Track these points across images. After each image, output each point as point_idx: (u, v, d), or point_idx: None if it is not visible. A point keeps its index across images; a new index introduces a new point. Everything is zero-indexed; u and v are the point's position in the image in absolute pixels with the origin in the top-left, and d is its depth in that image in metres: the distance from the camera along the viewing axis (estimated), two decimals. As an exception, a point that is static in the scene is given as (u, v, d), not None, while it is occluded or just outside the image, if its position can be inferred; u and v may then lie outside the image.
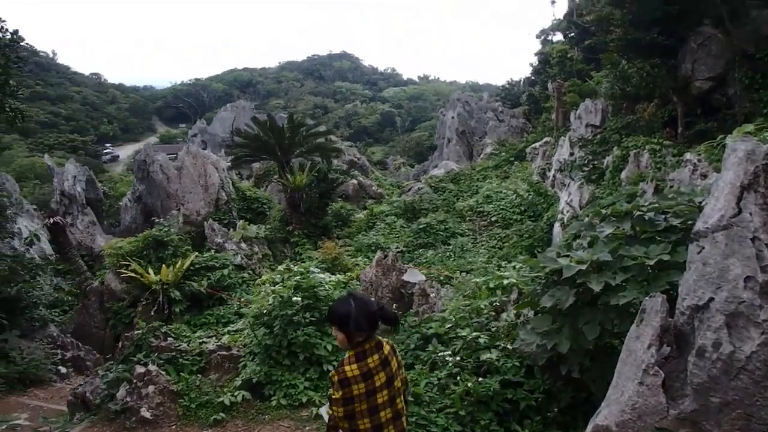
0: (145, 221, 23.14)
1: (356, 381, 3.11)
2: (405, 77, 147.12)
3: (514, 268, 12.55)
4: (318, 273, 8.39)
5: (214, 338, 8.97)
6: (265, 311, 8.18)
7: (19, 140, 74.42)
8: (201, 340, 8.77)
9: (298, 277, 8.20)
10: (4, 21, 9.71)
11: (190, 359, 8.29)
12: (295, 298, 7.59)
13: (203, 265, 15.58)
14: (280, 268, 9.04)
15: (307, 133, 21.84)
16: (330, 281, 8.41)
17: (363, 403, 3.13)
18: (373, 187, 30.10)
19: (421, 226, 19.07)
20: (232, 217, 23.35)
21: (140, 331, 8.39)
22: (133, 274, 13.92)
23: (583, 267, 4.53)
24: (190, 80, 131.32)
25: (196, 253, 15.69)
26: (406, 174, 42.01)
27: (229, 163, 24.24)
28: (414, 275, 8.77)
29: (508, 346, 6.19)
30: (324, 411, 3.52)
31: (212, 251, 16.91)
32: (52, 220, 14.56)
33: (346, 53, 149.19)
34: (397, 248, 18.24)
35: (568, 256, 4.95)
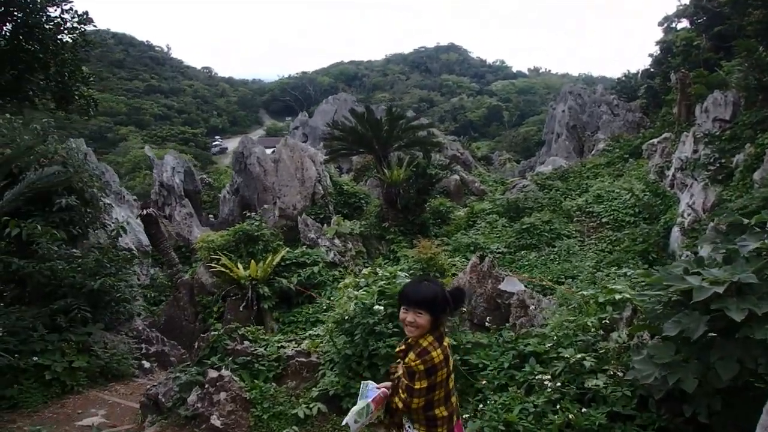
0: (242, 214, 23.83)
1: (441, 366, 3.07)
2: (514, 70, 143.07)
3: (625, 275, 11.22)
4: (405, 279, 7.69)
5: (293, 342, 8.58)
6: (346, 317, 7.64)
7: (135, 132, 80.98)
8: (279, 344, 8.40)
9: (382, 282, 7.56)
10: (71, 2, 9.73)
11: (267, 365, 7.93)
12: (377, 307, 6.96)
13: (294, 261, 15.49)
14: (365, 271, 8.44)
15: (407, 125, 21.29)
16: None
17: (442, 389, 3.11)
18: (476, 184, 29.00)
19: (524, 226, 17.87)
20: (328, 212, 23.38)
21: (216, 333, 8.17)
22: (222, 269, 14.07)
23: (720, 290, 3.71)
24: (296, 74, 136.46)
25: (287, 249, 15.63)
26: (512, 170, 40.39)
27: (326, 156, 24.28)
28: (512, 284, 7.84)
29: (619, 373, 5.42)
30: (351, 420, 3.18)
31: (304, 247, 16.82)
32: (144, 211, 15.12)
33: (453, 45, 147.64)
34: (497, 249, 17.18)
35: (698, 273, 4.04)
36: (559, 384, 5.60)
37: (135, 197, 21.91)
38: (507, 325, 7.21)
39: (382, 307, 7.00)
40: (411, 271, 13.78)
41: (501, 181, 32.65)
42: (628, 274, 11.26)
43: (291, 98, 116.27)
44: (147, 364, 10.53)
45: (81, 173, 11.73)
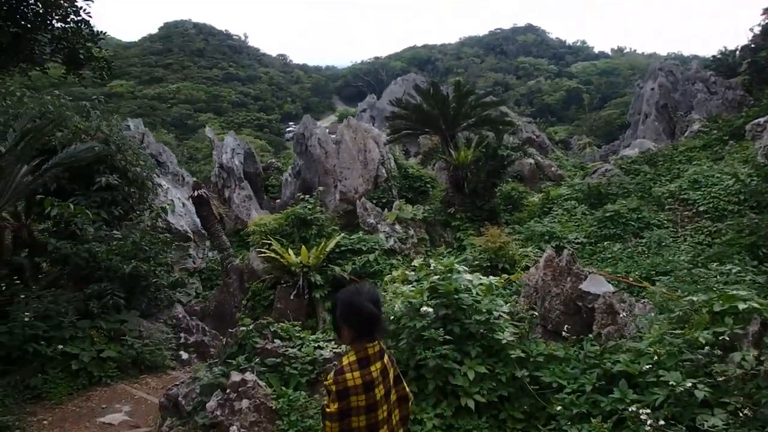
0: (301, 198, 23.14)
1: (356, 392, 2.78)
2: (596, 50, 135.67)
3: (731, 273, 9.35)
4: (464, 274, 6.38)
5: (332, 342, 7.45)
6: (391, 317, 6.43)
7: (213, 118, 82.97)
8: (316, 344, 7.30)
9: (435, 278, 6.28)
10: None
11: (300, 368, 6.84)
12: (425, 308, 5.69)
13: (349, 247, 14.46)
14: (416, 262, 7.19)
15: (476, 102, 19.66)
16: (479, 285, 6.35)
17: (362, 418, 2.81)
18: (553, 168, 26.93)
19: (607, 214, 15.90)
20: (391, 196, 22.25)
21: (244, 329, 7.17)
22: (272, 254, 13.23)
23: None
24: (369, 59, 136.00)
25: (343, 235, 14.61)
26: (592, 155, 37.59)
27: (387, 138, 23.07)
28: (597, 284, 6.34)
29: (745, 410, 4.16)
30: None
31: (362, 232, 15.75)
32: (196, 193, 14.53)
33: (531, 26, 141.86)
34: (575, 239, 15.39)
35: None
36: (661, 422, 4.28)
37: (195, 178, 21.64)
38: (589, 335, 5.77)
39: (431, 309, 5.73)
40: (476, 262, 12.39)
41: (580, 165, 30.28)
42: (734, 271, 9.35)
43: (363, 83, 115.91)
44: (185, 355, 9.77)
45: (124, 151, 11.11)
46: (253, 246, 14.33)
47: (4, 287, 8.68)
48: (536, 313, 6.28)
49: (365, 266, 13.72)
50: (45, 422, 7.32)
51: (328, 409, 2.83)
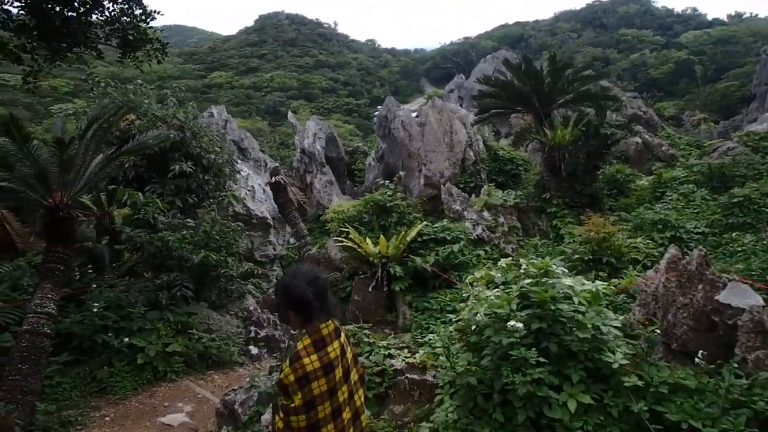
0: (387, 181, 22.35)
1: (316, 376, 2.60)
2: (709, 17, 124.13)
3: None
4: (563, 277, 5.23)
5: (405, 351, 6.55)
6: (473, 326, 5.42)
7: (305, 105, 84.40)
8: (387, 352, 6.43)
9: (527, 282, 5.19)
10: None
11: (367, 378, 6.04)
12: (512, 323, 4.63)
13: (432, 236, 13.46)
14: (502, 262, 6.11)
15: (574, 76, 17.83)
16: (583, 292, 5.18)
17: (326, 405, 2.63)
18: (663, 147, 24.36)
19: (734, 200, 13.70)
20: (479, 180, 20.93)
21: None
22: (350, 243, 12.51)
23: None
24: (458, 40, 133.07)
25: (425, 223, 13.63)
26: (708, 132, 33.92)
27: (475, 118, 21.69)
28: (741, 294, 4.95)
29: None
30: None
31: (446, 220, 14.70)
32: (273, 179, 14.09)
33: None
34: (695, 228, 13.43)
35: None
36: None
37: (278, 164, 21.42)
38: (731, 360, 4.46)
39: (521, 325, 4.65)
40: (576, 256, 11.01)
41: (696, 143, 27.23)
42: None
43: (452, 65, 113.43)
44: (254, 351, 9.29)
45: (200, 138, 10.75)
46: (332, 234, 13.71)
47: (78, 276, 8.54)
48: (657, 330, 5.03)
49: (449, 257, 12.68)
50: (107, 418, 7.02)
51: (292, 404, 2.60)
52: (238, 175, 14.79)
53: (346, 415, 2.77)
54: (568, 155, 17.26)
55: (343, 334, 2.87)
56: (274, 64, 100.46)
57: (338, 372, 2.70)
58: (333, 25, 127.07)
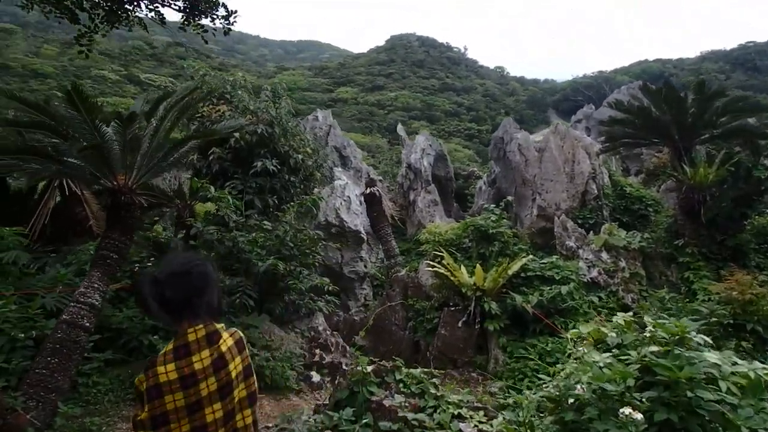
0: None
1: (171, 389, 2.20)
2: None
3: None
4: (705, 351, 3.65)
5: (481, 412, 5.16)
6: (571, 400, 3.96)
7: (425, 126, 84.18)
8: (458, 410, 5.08)
9: (652, 350, 3.67)
10: None
11: (426, 442, 4.73)
12: (628, 411, 3.15)
13: (538, 273, 11.81)
14: (619, 317, 4.58)
15: (725, 108, 15.27)
16: (734, 375, 3.57)
17: (184, 423, 2.20)
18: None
19: None
20: (600, 218, 18.78)
21: (360, 370, 5.24)
22: (441, 270, 11.21)
23: None
24: (592, 73, 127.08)
25: (531, 257, 12.01)
26: None
27: (601, 147, 19.57)
28: None
29: None
30: None
31: (557, 257, 12.94)
32: (368, 190, 13.14)
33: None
34: None
35: None
36: None
37: (381, 178, 20.54)
38: None
39: (640, 416, 3.16)
40: (713, 319, 8.95)
41: None
42: None
43: (583, 98, 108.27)
44: (316, 377, 8.24)
45: (291, 137, 10.06)
46: (425, 257, 12.48)
47: (137, 267, 8.03)
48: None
49: (555, 300, 10.97)
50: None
51: (138, 417, 2.26)
52: (335, 183, 14.06)
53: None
54: (710, 198, 14.78)
55: (226, 342, 2.36)
56: (399, 84, 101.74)
57: (205, 386, 2.25)
58: (462, 50, 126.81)
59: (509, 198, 14.03)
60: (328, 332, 8.84)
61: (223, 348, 2.33)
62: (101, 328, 7.16)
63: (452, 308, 11.20)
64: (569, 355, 4.89)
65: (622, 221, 18.95)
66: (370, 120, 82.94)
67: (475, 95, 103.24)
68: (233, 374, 2.34)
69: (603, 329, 4.70)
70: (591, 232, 15.21)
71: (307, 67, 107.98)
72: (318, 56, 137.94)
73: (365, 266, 14.67)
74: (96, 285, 6.37)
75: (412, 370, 5.79)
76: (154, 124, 6.67)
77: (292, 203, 9.06)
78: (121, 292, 7.70)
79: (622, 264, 14.28)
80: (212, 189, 8.08)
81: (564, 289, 11.07)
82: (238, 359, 2.39)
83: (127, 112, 6.78)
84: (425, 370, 6.04)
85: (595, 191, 19.09)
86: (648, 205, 19.96)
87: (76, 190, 8.38)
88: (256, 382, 2.52)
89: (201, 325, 2.32)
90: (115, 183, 6.67)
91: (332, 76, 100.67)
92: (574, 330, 4.94)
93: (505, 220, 12.43)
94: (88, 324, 6.21)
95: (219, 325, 2.40)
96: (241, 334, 2.49)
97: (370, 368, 5.47)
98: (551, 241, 17.01)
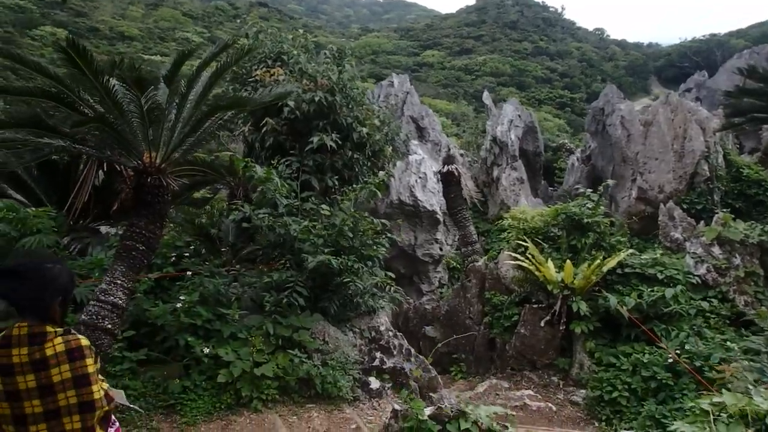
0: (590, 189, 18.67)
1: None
2: None
3: None
4: None
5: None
6: None
7: (515, 93, 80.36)
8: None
9: None
10: None
11: None
12: None
13: (637, 270, 10.11)
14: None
15: None
16: None
17: (5, 406, 2.41)
18: None
19: None
20: (710, 203, 16.46)
21: (415, 416, 4.12)
22: (524, 263, 9.80)
23: None
24: (703, 36, 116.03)
25: (631, 251, 10.29)
26: None
27: (720, 122, 17.00)
28: None
29: None
30: None
31: (661, 251, 11.12)
32: (446, 168, 11.78)
33: None
34: None
35: None
36: None
37: (462, 152, 18.93)
38: None
39: None
40: None
41: None
42: None
43: (691, 64, 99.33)
44: (375, 384, 7.22)
45: (355, 106, 8.89)
46: (507, 245, 11.06)
47: (174, 257, 7.27)
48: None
49: (657, 304, 9.28)
50: (163, 450, 5.54)
51: None
52: (410, 158, 12.82)
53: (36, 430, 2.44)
54: None
55: (55, 347, 2.42)
56: (489, 47, 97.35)
57: (23, 380, 2.38)
58: (560, 10, 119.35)
59: (609, 182, 12.10)
60: (390, 333, 7.75)
61: (48, 352, 2.41)
62: (137, 323, 6.46)
63: (535, 305, 9.81)
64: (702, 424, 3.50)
65: (734, 208, 16.60)
66: (456, 86, 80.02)
67: (570, 60, 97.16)
68: (54, 379, 2.41)
69: (756, 400, 3.26)
70: (702, 221, 13.13)
71: (392, 29, 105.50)
72: (404, 16, 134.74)
73: (440, 249, 13.45)
74: (119, 281, 5.59)
75: (481, 412, 4.62)
76: (182, 90, 5.69)
77: (352, 186, 7.94)
78: (163, 281, 6.98)
79: (737, 261, 12.18)
80: (258, 168, 7.11)
81: (669, 292, 9.34)
82: (66, 366, 2.43)
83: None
84: (500, 410, 4.81)
85: (707, 173, 16.72)
86: (767, 190, 17.32)
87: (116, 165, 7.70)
88: (96, 393, 2.52)
89: (26, 324, 2.43)
90: (139, 162, 5.80)
91: (418, 39, 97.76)
92: (706, 398, 3.52)
93: (602, 207, 10.71)
94: (110, 326, 5.46)
95: (54, 329, 2.47)
96: (85, 344, 2.51)
97: (427, 411, 4.35)
98: (652, 229, 15.02)
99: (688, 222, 12.72)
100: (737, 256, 12.38)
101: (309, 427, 6.20)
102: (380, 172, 8.12)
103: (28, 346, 2.39)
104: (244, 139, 8.97)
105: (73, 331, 2.56)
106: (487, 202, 17.42)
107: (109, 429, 2.74)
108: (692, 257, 11.89)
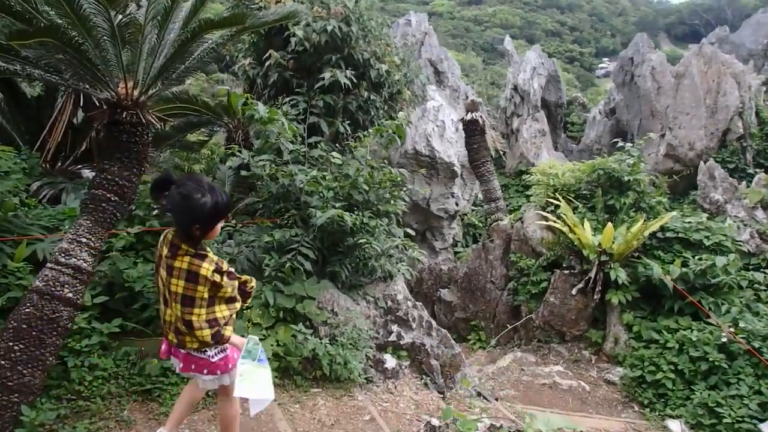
0: (611, 143, 17.10)
1: (160, 245, 2.94)
2: None
3: None
4: None
5: None
6: None
7: (524, 46, 77.10)
8: None
9: None
10: None
11: None
12: None
13: (680, 235, 8.79)
14: None
15: None
16: None
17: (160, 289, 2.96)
18: None
19: None
20: (743, 162, 15.08)
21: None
22: (556, 224, 8.48)
23: None
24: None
25: (673, 214, 8.94)
26: None
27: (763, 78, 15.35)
28: None
29: None
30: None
31: (706, 215, 9.77)
32: (469, 116, 10.29)
33: None
34: None
35: None
36: None
37: (480, 100, 17.31)
38: None
39: None
40: None
41: None
42: None
43: (701, 22, 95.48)
44: (391, 362, 6.02)
45: (373, 40, 7.37)
46: (534, 202, 9.71)
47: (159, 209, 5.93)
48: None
49: (705, 274, 8.00)
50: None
51: None
52: (427, 105, 11.31)
53: (167, 315, 2.94)
54: None
55: (182, 261, 2.78)
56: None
57: (162, 270, 2.87)
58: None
59: (650, 135, 10.47)
60: (409, 303, 6.50)
61: (176, 264, 2.78)
62: (111, 287, 5.22)
63: (566, 271, 8.54)
64: None
65: (766, 167, 15.25)
66: (465, 36, 76.81)
67: (580, 14, 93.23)
68: (173, 288, 2.81)
69: None
70: (743, 182, 11.75)
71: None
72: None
73: (457, 204, 12.11)
74: (84, 239, 4.30)
75: (541, 427, 3.39)
76: (165, 4, 4.24)
77: (368, 132, 6.53)
78: (145, 236, 5.68)
79: (782, 226, 10.92)
80: (260, 106, 5.70)
81: (720, 260, 8.03)
82: (181, 283, 2.78)
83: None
84: (562, 422, 3.59)
85: (741, 130, 15.22)
86: (807, 150, 15.90)
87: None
88: (195, 317, 2.80)
89: (173, 234, 2.86)
90: (111, 93, 4.41)
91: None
92: None
93: (643, 164, 9.28)
94: (71, 295, 4.19)
95: (187, 248, 2.77)
96: (204, 273, 2.74)
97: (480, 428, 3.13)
98: (684, 188, 13.68)
99: (729, 182, 11.35)
100: (781, 221, 11.09)
101: (314, 417, 5.02)
102: (400, 113, 6.68)
103: (168, 251, 2.79)
104: (245, 74, 7.49)
105: (206, 254, 2.82)
106: (504, 155, 15.97)
107: (219, 354, 3.00)
108: (734, 221, 10.60)
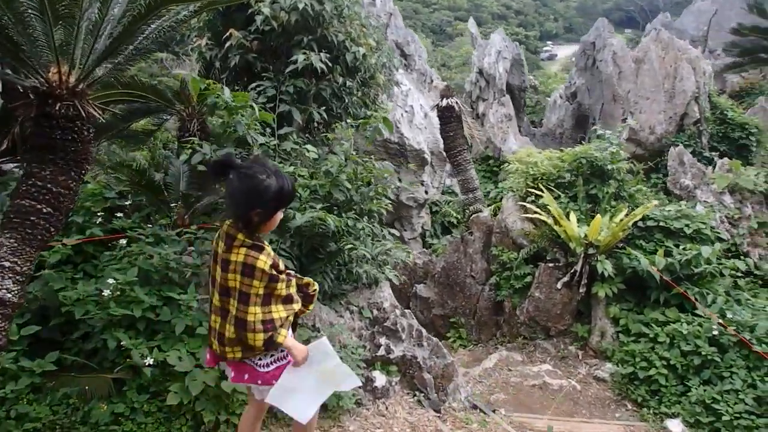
0: (574, 128, 16.78)
1: (216, 242, 2.67)
2: None
3: None
4: None
5: None
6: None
7: (464, 26, 77.03)
8: None
9: None
10: None
11: None
12: None
13: (661, 223, 8.42)
14: None
15: None
16: None
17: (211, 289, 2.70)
18: None
19: None
20: (699, 146, 15.07)
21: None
22: (540, 215, 7.93)
23: None
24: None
25: (655, 202, 8.55)
26: None
27: (713, 65, 15.35)
28: None
29: None
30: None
31: (685, 202, 9.48)
32: (445, 102, 9.58)
33: None
34: None
35: None
36: None
37: (447, 83, 16.63)
38: None
39: None
40: None
41: None
42: None
43: (635, 8, 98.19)
44: (381, 380, 5.28)
45: (347, 21, 6.49)
46: (513, 192, 9.11)
47: (102, 215, 4.93)
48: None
49: (689, 264, 7.64)
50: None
51: None
52: (395, 89, 10.50)
53: (212, 320, 2.68)
54: None
55: (238, 254, 2.47)
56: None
57: (216, 268, 2.61)
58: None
59: (630, 122, 9.98)
60: (397, 311, 5.76)
61: (232, 257, 2.49)
62: (44, 313, 4.23)
63: (550, 264, 8.03)
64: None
65: (720, 151, 15.38)
66: (414, 18, 75.61)
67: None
68: (229, 284, 2.51)
69: None
70: (710, 168, 11.58)
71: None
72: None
73: (426, 192, 11.44)
74: (7, 263, 3.34)
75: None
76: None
77: (347, 122, 5.68)
78: (85, 247, 4.68)
79: (748, 211, 10.81)
80: (226, 91, 4.77)
81: (706, 250, 7.70)
82: (237, 277, 2.48)
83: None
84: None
85: (697, 114, 15.20)
86: (750, 134, 16.05)
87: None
88: (250, 315, 2.49)
89: (227, 225, 2.56)
90: (41, 80, 3.42)
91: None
92: None
93: (622, 152, 8.82)
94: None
95: (244, 238, 2.48)
96: (260, 266, 2.45)
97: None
98: (650, 174, 13.49)
99: (698, 168, 11.14)
100: (748, 205, 10.96)
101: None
102: (389, 103, 5.88)
103: (223, 243, 2.54)
104: (200, 56, 6.46)
105: (263, 245, 2.53)
106: (471, 138, 15.37)
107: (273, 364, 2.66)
108: (703, 207, 10.39)
